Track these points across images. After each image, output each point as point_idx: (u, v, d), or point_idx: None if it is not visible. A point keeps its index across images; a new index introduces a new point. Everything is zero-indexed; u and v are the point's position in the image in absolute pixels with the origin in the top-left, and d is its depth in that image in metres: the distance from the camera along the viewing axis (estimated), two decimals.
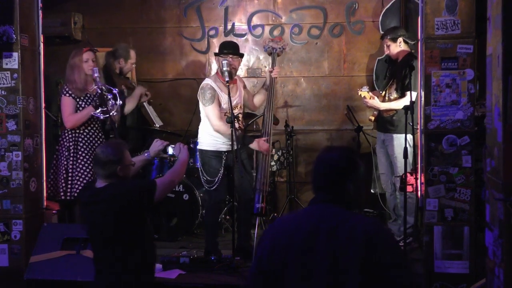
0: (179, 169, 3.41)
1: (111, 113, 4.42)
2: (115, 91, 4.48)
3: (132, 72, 5.87)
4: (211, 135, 4.61)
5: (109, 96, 4.44)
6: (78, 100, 4.54)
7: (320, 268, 2.01)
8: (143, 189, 3.14)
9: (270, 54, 4.86)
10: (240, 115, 4.69)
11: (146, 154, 3.66)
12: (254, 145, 4.57)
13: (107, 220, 3.05)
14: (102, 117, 4.47)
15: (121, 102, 4.51)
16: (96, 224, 3.11)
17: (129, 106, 5.17)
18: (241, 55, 4.68)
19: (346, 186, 2.13)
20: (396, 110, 4.98)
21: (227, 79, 4.40)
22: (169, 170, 3.42)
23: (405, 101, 4.80)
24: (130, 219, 3.07)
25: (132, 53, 5.37)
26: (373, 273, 1.98)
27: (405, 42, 5.11)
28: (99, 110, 4.43)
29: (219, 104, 4.53)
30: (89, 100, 4.58)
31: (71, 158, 4.49)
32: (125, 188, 3.10)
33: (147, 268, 3.20)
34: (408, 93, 4.82)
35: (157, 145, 3.66)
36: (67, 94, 4.53)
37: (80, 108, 4.54)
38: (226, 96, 4.47)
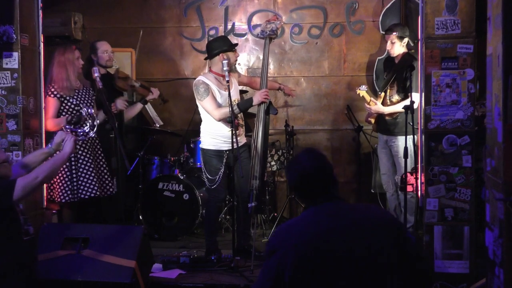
0: (51, 164, 3.20)
1: (79, 138, 3.85)
2: (96, 122, 3.90)
3: (132, 72, 5.71)
4: (212, 135, 4.60)
5: (87, 123, 3.89)
6: (67, 97, 4.51)
7: (359, 260, 2.04)
8: None
9: (262, 38, 4.74)
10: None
11: (49, 146, 3.51)
12: (256, 100, 4.51)
13: None
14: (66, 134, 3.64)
15: (93, 135, 3.91)
16: None
17: (128, 115, 5.22)
18: (235, 45, 4.69)
19: (337, 183, 2.26)
20: (399, 112, 4.95)
21: (227, 78, 4.39)
22: (44, 163, 3.23)
23: (408, 103, 4.78)
24: None
25: (99, 44, 5.08)
26: (403, 254, 2.09)
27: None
28: (70, 126, 3.95)
29: (214, 97, 4.53)
30: (79, 96, 4.57)
31: (71, 159, 4.47)
32: None
33: (17, 270, 3.12)
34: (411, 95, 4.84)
35: (57, 136, 3.50)
36: (52, 95, 4.47)
37: (69, 104, 4.51)
38: (221, 91, 4.51)
